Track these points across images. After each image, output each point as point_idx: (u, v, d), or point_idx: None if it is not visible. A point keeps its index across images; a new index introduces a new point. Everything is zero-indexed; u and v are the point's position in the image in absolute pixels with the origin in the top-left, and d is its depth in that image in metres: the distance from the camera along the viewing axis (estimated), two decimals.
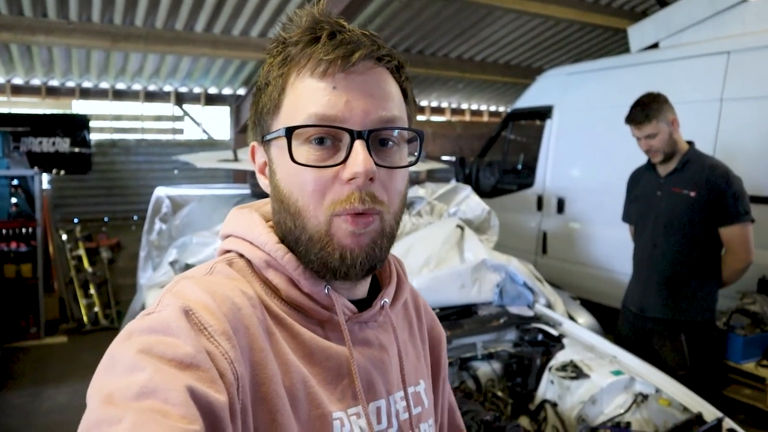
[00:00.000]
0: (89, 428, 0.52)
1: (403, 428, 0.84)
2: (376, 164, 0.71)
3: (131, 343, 0.60)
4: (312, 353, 0.75)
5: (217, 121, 8.98)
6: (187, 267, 2.68)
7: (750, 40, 3.69)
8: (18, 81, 7.47)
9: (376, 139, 0.74)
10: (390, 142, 0.75)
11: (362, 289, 0.83)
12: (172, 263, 2.87)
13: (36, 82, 7.52)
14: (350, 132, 0.71)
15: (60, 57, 6.76)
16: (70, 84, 7.65)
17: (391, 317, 0.85)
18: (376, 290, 0.86)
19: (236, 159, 3.56)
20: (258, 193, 3.76)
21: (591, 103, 4.83)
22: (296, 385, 0.72)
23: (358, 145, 0.71)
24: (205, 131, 8.73)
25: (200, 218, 3.28)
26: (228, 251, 0.81)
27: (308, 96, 0.72)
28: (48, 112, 7.73)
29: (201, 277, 0.74)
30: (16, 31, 5.45)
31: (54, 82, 7.57)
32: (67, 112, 8.00)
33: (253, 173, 3.80)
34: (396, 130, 0.75)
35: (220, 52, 6.48)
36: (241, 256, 0.79)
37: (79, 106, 8.13)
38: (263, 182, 0.83)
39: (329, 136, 0.72)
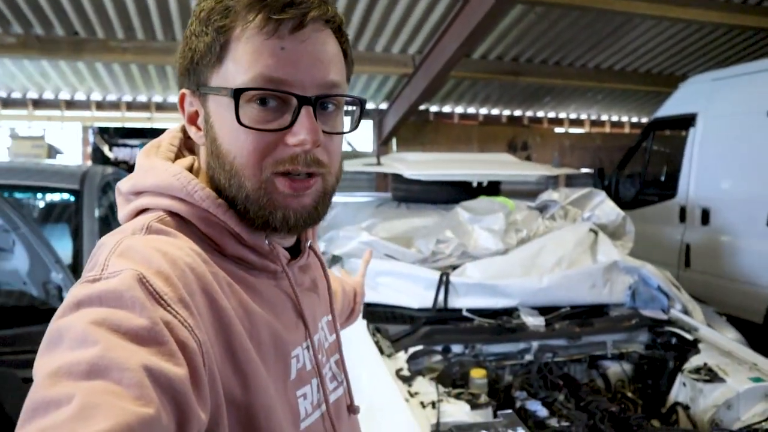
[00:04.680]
0: (35, 408, 0.48)
1: (328, 354, 0.91)
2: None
3: (80, 314, 0.56)
4: (269, 299, 0.77)
5: (361, 134, 9.46)
6: (334, 258, 2.95)
7: None
8: (157, 99, 8.40)
9: (319, 103, 0.73)
10: (331, 106, 0.75)
11: (292, 237, 0.84)
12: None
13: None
14: (298, 97, 0.70)
15: None
16: None
17: (320, 256, 0.93)
18: None
19: (379, 163, 3.83)
20: (399, 198, 4.01)
21: (740, 109, 4.60)
22: (261, 331, 0.73)
23: (306, 111, 0.71)
24: (349, 143, 9.24)
25: (345, 219, 3.56)
26: (145, 210, 0.75)
27: (255, 55, 0.70)
28: None
29: (144, 236, 0.68)
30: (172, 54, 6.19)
31: None
32: None
33: (395, 177, 4.06)
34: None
35: (366, 68, 6.84)
36: (171, 214, 0.73)
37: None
38: (194, 133, 0.79)
39: (274, 98, 0.71)
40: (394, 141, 9.27)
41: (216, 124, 0.74)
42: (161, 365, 0.54)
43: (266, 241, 0.77)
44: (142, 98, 8.55)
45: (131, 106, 8.75)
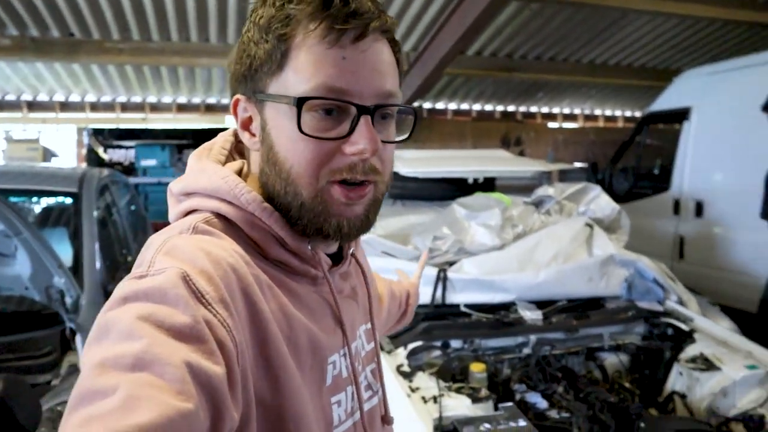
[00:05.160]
0: (82, 397, 0.51)
1: (364, 363, 0.90)
2: None
3: (126, 308, 0.58)
4: (308, 304, 0.78)
5: None
6: None
7: None
8: (182, 100, 8.43)
9: (377, 113, 0.74)
10: (387, 115, 0.76)
11: (335, 244, 0.85)
12: None
13: (197, 100, 8.45)
14: (358, 106, 0.71)
15: (218, 77, 7.55)
16: (225, 101, 8.51)
17: (361, 264, 0.93)
18: None
19: None
20: (395, 195, 4.03)
21: (734, 103, 4.62)
22: (300, 336, 0.73)
23: (365, 120, 0.71)
24: None
25: None
26: (194, 210, 0.77)
27: (317, 64, 0.70)
28: (206, 126, 8.63)
29: (190, 236, 0.70)
30: (185, 55, 6.21)
31: (211, 100, 8.48)
32: (222, 126, 8.88)
33: (394, 176, 4.04)
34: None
35: None
36: (217, 215, 0.75)
37: (231, 121, 9.02)
38: (247, 138, 0.79)
39: (335, 107, 0.71)
40: None
41: (273, 131, 0.74)
42: (201, 363, 0.55)
43: (308, 247, 0.77)
44: (137, 99, 8.55)
45: (126, 107, 8.75)
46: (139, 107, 8.75)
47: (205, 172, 0.77)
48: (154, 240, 0.69)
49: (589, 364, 2.67)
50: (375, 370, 0.93)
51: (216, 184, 0.75)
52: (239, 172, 0.80)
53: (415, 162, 3.76)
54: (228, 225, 0.74)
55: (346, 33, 0.69)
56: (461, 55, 6.82)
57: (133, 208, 4.47)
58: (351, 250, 0.88)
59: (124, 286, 0.61)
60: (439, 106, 10.04)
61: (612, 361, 2.67)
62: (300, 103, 0.70)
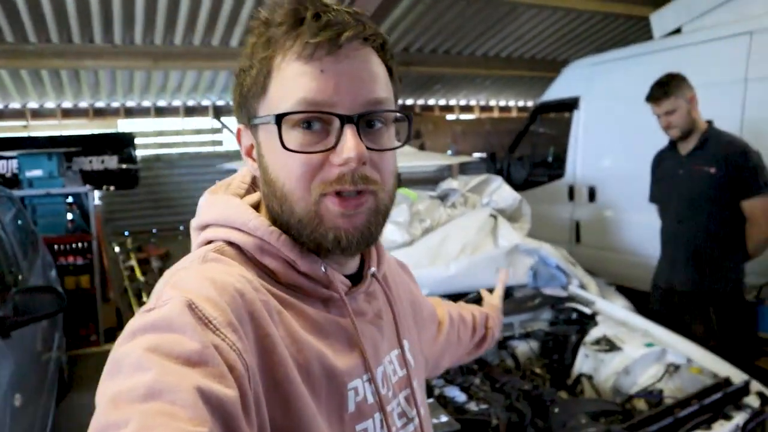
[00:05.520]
0: None
1: (396, 389, 0.87)
2: (366, 148, 0.71)
3: (136, 342, 0.58)
4: (322, 328, 0.76)
5: None
6: None
7: None
8: (67, 104, 7.91)
9: (364, 121, 0.73)
10: (378, 123, 0.75)
11: (353, 263, 0.84)
12: None
13: (84, 104, 7.96)
14: (340, 116, 0.70)
15: (105, 79, 7.14)
16: (115, 104, 8.08)
17: (384, 285, 0.90)
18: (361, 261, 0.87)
19: None
20: None
21: (617, 92, 4.87)
22: (311, 361, 0.72)
23: (349, 129, 0.70)
24: None
25: None
26: (210, 241, 0.78)
27: (296, 80, 0.70)
28: (96, 132, 8.14)
29: (199, 266, 0.71)
30: (66, 57, 5.81)
31: (100, 104, 8.01)
32: (114, 131, 8.42)
33: None
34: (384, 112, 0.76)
35: None
36: (230, 244, 0.76)
37: (124, 125, 8.56)
38: (251, 165, 0.81)
39: (318, 120, 0.71)
40: None
41: (266, 153, 0.76)
42: (212, 386, 0.56)
43: (322, 268, 0.77)
44: (16, 105, 7.94)
45: (3, 115, 8.11)
46: (19, 114, 8.13)
47: (217, 204, 0.80)
48: (165, 274, 0.71)
49: (502, 353, 2.74)
50: (409, 396, 0.90)
51: (226, 214, 0.77)
52: (258, 203, 0.82)
53: None
54: (239, 252, 0.76)
55: (321, 45, 0.70)
56: None
57: (20, 223, 4.14)
58: (372, 270, 0.86)
59: (134, 320, 0.62)
60: None
61: (523, 348, 2.76)
62: (279, 119, 0.71)
